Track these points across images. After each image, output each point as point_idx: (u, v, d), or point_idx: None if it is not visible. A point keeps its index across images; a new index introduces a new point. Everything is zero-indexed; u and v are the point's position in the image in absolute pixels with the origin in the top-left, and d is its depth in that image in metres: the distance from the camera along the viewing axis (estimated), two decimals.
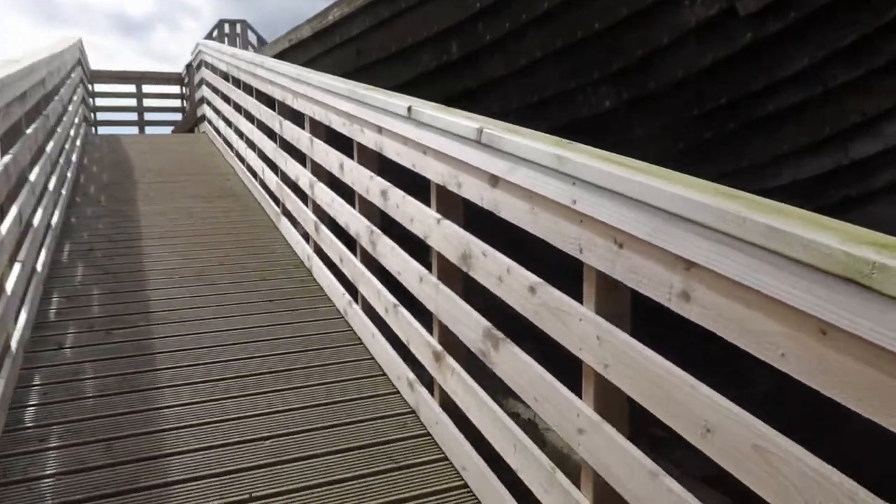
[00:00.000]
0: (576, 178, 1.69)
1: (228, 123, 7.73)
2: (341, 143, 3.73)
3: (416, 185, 2.77)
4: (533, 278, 1.94)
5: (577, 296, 1.78)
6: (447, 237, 2.44)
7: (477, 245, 2.23)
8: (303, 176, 4.47)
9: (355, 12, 4.50)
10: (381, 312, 3.13)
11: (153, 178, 6.91)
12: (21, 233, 3.41)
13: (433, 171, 2.52)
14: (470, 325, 2.31)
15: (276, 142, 5.28)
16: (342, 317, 3.73)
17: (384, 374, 3.12)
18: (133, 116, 12.42)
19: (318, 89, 3.93)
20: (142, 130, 12.35)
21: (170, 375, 3.05)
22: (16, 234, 3.21)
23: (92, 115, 11.75)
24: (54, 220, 4.85)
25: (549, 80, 3.48)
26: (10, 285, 2.99)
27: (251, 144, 6.37)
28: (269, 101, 5.57)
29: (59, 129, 5.57)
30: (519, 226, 2.01)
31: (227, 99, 7.79)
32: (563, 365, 1.98)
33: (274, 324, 3.64)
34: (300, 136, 4.49)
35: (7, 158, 3.13)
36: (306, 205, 4.45)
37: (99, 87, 12.11)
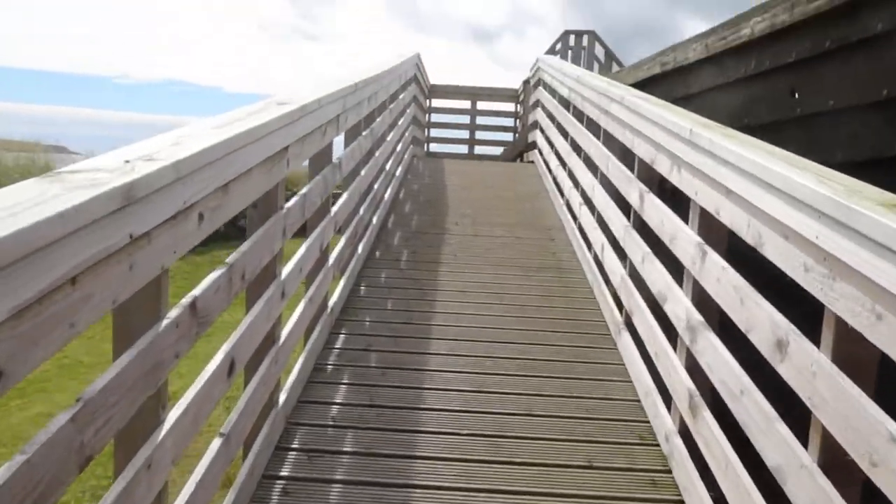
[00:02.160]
0: None
1: (562, 163, 6.26)
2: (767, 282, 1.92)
3: None
4: None
5: None
6: None
7: None
8: (675, 300, 2.70)
9: (802, 23, 2.60)
10: None
11: (465, 228, 5.71)
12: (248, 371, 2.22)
13: None
14: None
15: (629, 219, 3.59)
16: None
17: None
18: (465, 134, 11.77)
19: (721, 162, 2.16)
20: (471, 150, 11.63)
21: None
22: (215, 392, 1.98)
23: (426, 131, 11.31)
24: (334, 297, 3.78)
25: None
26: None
27: (589, 203, 4.77)
28: (623, 154, 3.91)
29: (362, 172, 4.57)
30: None
31: (563, 132, 6.33)
32: None
33: None
34: (677, 232, 2.73)
35: (234, 256, 1.92)
36: (674, 348, 2.69)
37: (436, 103, 11.66)
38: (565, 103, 6.27)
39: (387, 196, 6.06)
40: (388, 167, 6.06)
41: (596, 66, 9.67)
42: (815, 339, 1.68)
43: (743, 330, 2.07)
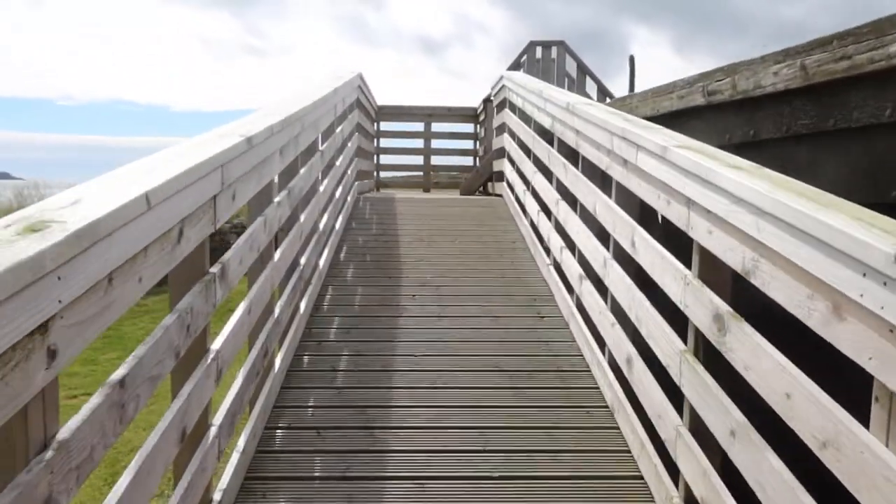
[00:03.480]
0: None
1: (545, 211, 4.96)
2: None
3: None
4: None
5: None
6: None
7: None
8: None
9: None
10: None
11: (427, 303, 4.36)
12: None
13: None
14: None
15: (685, 339, 2.29)
16: None
17: None
18: (419, 160, 10.42)
19: None
20: (427, 175, 10.29)
21: None
22: None
23: (375, 159, 9.93)
24: (225, 478, 2.38)
25: None
26: None
27: (597, 281, 3.47)
28: (664, 231, 2.64)
29: (276, 255, 3.18)
30: None
31: (545, 170, 5.04)
32: None
33: None
34: (839, 433, 1.42)
35: None
36: None
37: (385, 126, 10.28)
38: (546, 135, 4.99)
39: (322, 263, 4.67)
40: (322, 225, 4.67)
41: (567, 82, 8.45)
42: None
43: None
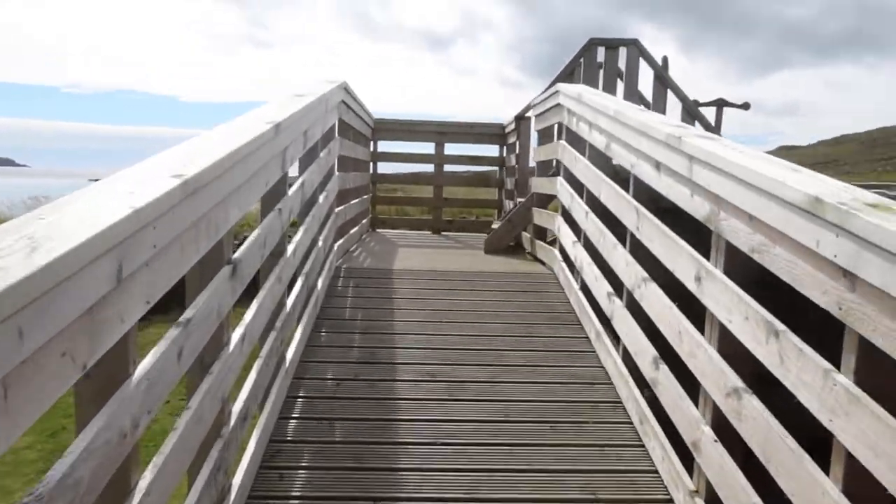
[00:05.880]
0: None
1: (677, 369, 2.59)
2: None
3: None
4: None
5: None
6: None
7: None
8: None
9: None
10: None
11: None
12: None
13: None
14: None
15: None
16: None
17: None
18: (428, 191, 8.03)
19: None
20: (438, 218, 7.90)
21: None
22: None
23: (371, 189, 7.54)
24: None
25: None
26: None
27: None
28: None
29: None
30: None
31: (671, 284, 2.66)
32: None
33: None
34: None
35: None
36: None
37: (384, 146, 7.91)
38: (686, 224, 2.62)
39: (240, 476, 2.32)
40: (267, 348, 2.31)
41: (637, 98, 5.99)
42: None
43: None
